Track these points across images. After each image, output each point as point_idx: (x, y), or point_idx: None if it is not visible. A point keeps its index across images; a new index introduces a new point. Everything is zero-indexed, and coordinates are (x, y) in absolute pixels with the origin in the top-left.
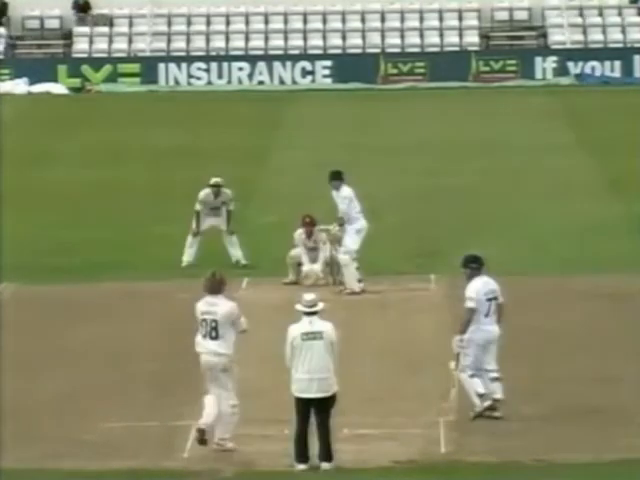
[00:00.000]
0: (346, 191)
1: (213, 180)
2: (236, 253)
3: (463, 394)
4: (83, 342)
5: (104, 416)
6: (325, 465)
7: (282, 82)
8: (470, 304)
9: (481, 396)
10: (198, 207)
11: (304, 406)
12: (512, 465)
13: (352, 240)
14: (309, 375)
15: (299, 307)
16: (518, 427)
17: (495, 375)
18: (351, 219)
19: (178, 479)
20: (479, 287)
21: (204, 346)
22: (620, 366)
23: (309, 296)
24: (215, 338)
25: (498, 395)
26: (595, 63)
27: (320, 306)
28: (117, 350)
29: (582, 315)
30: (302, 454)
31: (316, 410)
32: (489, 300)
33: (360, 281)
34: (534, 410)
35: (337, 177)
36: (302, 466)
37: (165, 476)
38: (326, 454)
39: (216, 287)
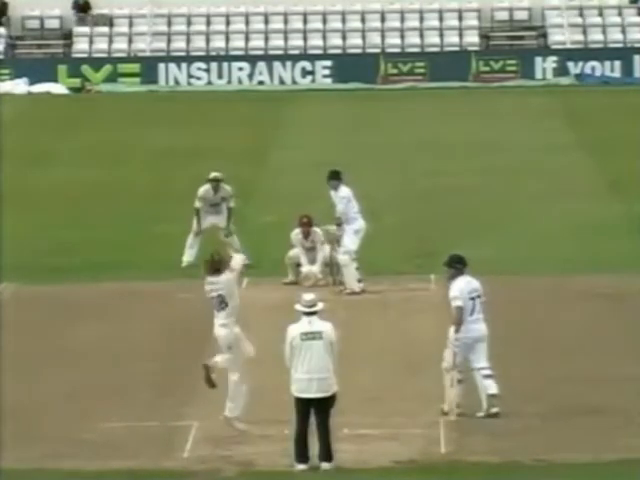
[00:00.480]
0: (344, 191)
1: (212, 174)
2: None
3: (462, 393)
4: (83, 342)
5: (104, 416)
6: (325, 465)
7: (282, 82)
8: (457, 302)
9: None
10: (197, 204)
11: (304, 406)
12: (512, 465)
13: (351, 240)
14: (309, 375)
15: (298, 307)
16: (518, 427)
17: (487, 372)
18: (349, 219)
19: (178, 479)
20: (462, 286)
21: (216, 318)
22: (620, 366)
23: (308, 296)
24: (224, 309)
25: (493, 390)
26: (595, 63)
27: (319, 306)
28: (117, 350)
29: (582, 315)
30: (302, 454)
31: (316, 410)
32: (472, 299)
33: (360, 281)
34: (534, 410)
35: (335, 177)
36: (302, 466)
37: (165, 476)
38: (326, 454)
39: (214, 269)
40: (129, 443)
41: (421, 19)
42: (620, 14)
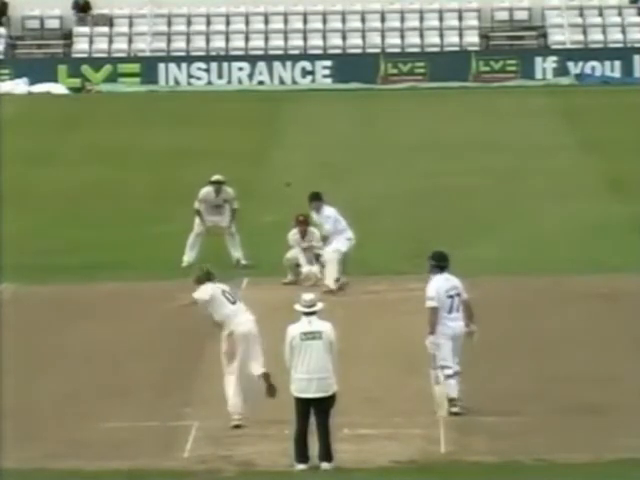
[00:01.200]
0: (328, 210)
1: (214, 177)
2: (236, 253)
3: (463, 396)
4: (83, 342)
5: (104, 416)
6: (325, 465)
7: (282, 82)
8: (431, 304)
9: (451, 400)
10: (197, 205)
11: (303, 406)
12: (512, 465)
13: (342, 243)
14: (308, 375)
15: (298, 307)
16: (518, 427)
17: (450, 372)
18: (339, 232)
19: (178, 479)
20: (440, 284)
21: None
22: (620, 366)
23: (308, 296)
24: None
25: (452, 394)
26: (595, 63)
27: (319, 306)
28: (117, 350)
29: (582, 315)
30: (302, 454)
31: (316, 410)
32: (450, 297)
33: (337, 280)
34: (534, 410)
35: (317, 198)
36: (302, 466)
37: (165, 476)
38: (326, 454)
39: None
40: (129, 443)
41: (421, 19)
42: (620, 14)
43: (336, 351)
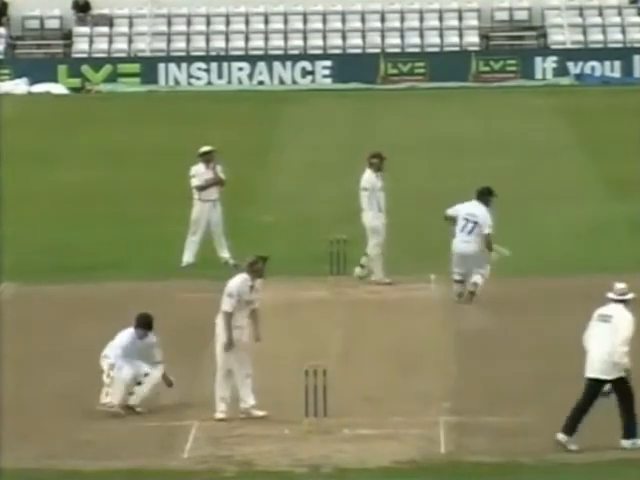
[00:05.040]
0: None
1: (204, 148)
2: (224, 254)
3: (462, 396)
4: (83, 342)
5: (104, 416)
6: (623, 443)
7: (282, 82)
8: (448, 211)
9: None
10: (195, 182)
11: (587, 383)
12: (512, 465)
13: None
14: (592, 355)
15: (610, 295)
16: (518, 427)
17: (473, 278)
18: None
19: (178, 479)
20: (464, 206)
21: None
22: None
23: (619, 285)
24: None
25: (474, 279)
26: (595, 63)
27: (629, 296)
28: None
29: (582, 315)
30: (565, 425)
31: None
32: (465, 220)
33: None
34: (534, 410)
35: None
36: (561, 436)
37: (165, 476)
38: (624, 432)
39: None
40: (129, 443)
41: (421, 19)
42: (620, 14)
43: (623, 340)
